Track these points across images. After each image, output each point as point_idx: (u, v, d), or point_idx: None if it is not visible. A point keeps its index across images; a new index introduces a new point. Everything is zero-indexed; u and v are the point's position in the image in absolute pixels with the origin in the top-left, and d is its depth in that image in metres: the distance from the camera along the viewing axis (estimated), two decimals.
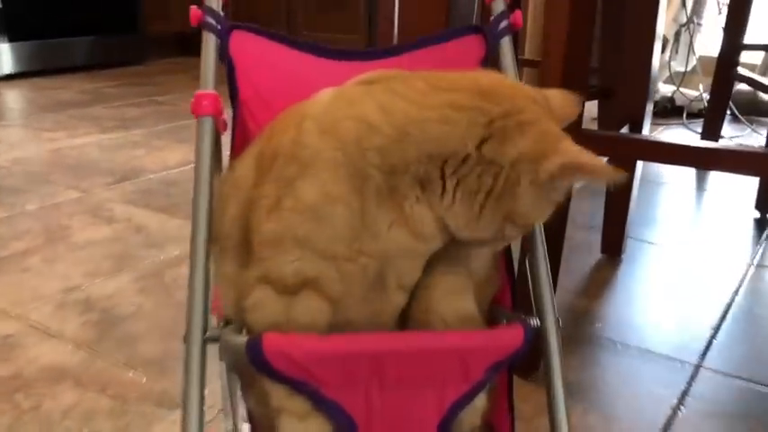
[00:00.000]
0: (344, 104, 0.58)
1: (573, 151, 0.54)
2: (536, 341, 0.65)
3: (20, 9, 3.71)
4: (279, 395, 0.58)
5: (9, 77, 3.70)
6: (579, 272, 1.61)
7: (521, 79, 0.78)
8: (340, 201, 0.55)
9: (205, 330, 0.63)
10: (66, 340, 1.29)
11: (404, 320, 0.64)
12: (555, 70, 1.04)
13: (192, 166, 0.68)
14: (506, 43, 0.76)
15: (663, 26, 3.08)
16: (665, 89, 3.23)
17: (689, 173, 2.36)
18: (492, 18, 0.77)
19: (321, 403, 0.58)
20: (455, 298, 0.63)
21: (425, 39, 0.80)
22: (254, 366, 0.57)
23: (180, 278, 1.53)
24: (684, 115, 3.10)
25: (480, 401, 0.63)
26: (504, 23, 0.77)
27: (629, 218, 1.64)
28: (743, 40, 2.14)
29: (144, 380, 1.17)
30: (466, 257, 0.64)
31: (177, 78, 3.86)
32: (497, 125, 0.54)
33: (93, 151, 2.49)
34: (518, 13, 0.77)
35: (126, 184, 2.12)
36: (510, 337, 0.59)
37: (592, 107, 2.16)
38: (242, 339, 0.57)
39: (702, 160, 1.03)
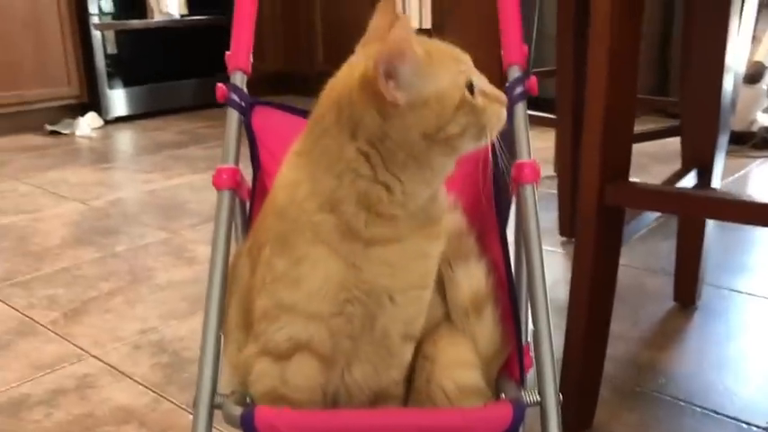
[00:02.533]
0: (280, 180, 0.67)
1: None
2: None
3: (130, 57, 4.01)
4: None
5: (120, 119, 3.99)
6: (647, 321, 1.54)
7: (531, 136, 0.78)
8: (306, 259, 0.61)
9: (213, 396, 0.66)
10: (137, 382, 1.37)
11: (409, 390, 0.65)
12: (596, 124, 1.02)
13: None
14: (520, 109, 0.77)
15: (763, 55, 2.92)
16: (764, 119, 3.05)
17: None
18: (507, 84, 0.78)
19: None
20: (457, 370, 0.64)
21: None
22: None
23: None
24: None
25: None
26: (519, 89, 0.77)
27: (705, 263, 1.56)
28: None
29: None
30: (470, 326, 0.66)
31: None
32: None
33: (184, 192, 2.63)
34: (533, 80, 0.77)
35: (211, 225, 2.23)
36: (497, 416, 0.59)
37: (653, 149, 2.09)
38: (238, 410, 0.60)
39: (761, 216, 0.97)
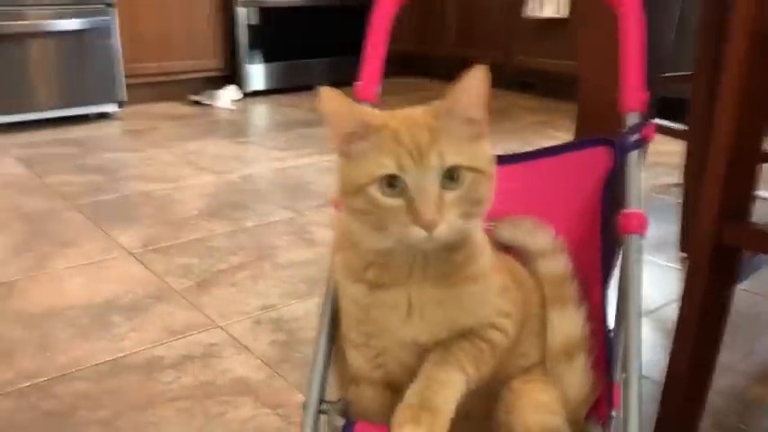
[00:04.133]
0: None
1: None
2: None
3: (271, 33, 4.20)
4: None
5: (257, 93, 4.20)
6: (762, 354, 1.49)
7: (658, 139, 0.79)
8: (340, 293, 0.72)
9: (320, 403, 0.74)
10: (256, 356, 1.49)
11: (486, 416, 0.71)
12: (719, 162, 1.00)
13: None
14: (634, 157, 0.78)
15: None
16: None
17: None
18: (624, 130, 0.79)
19: None
20: (542, 413, 0.68)
21: (557, 147, 0.84)
22: None
23: None
24: None
25: None
26: (634, 137, 0.78)
27: None
28: None
29: None
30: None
31: (398, 99, 4.10)
32: None
33: (310, 172, 2.77)
34: (651, 126, 0.78)
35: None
36: None
37: None
38: (340, 422, 0.68)
39: None
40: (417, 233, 0.61)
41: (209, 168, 2.82)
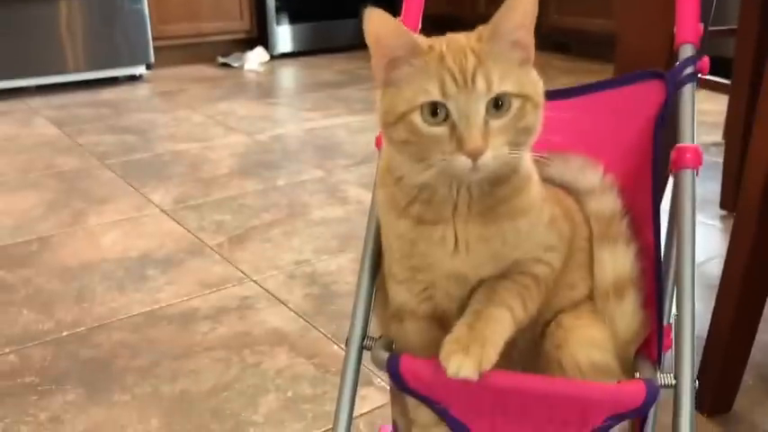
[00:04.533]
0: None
1: None
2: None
3: None
4: (411, 406, 0.67)
5: (284, 55, 4.18)
6: None
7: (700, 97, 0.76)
8: (385, 227, 0.72)
9: (364, 337, 0.73)
10: (290, 309, 1.50)
11: (532, 349, 0.70)
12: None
13: None
14: (688, 90, 0.75)
15: None
16: None
17: None
18: (678, 63, 0.76)
19: (450, 421, 0.66)
20: (593, 349, 0.67)
21: (607, 81, 0.81)
22: (391, 379, 0.66)
23: None
24: None
25: None
26: (689, 69, 0.75)
27: None
28: None
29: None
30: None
31: None
32: None
33: (340, 132, 2.75)
34: (705, 60, 0.75)
35: (363, 167, 2.33)
36: (630, 394, 0.61)
37: None
38: (384, 355, 0.67)
39: None
40: (462, 162, 0.59)
41: (238, 128, 2.81)
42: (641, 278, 0.72)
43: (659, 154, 0.75)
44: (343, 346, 1.35)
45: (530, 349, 0.71)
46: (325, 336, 1.39)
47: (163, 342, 1.38)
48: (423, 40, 0.63)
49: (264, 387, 1.24)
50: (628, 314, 0.71)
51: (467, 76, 0.60)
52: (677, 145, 0.73)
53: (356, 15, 4.35)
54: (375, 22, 0.61)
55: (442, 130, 0.61)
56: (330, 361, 1.31)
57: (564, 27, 4.01)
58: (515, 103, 0.61)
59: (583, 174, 0.77)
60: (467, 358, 0.60)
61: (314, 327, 1.43)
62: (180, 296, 1.55)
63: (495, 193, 0.65)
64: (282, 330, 1.42)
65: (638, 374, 0.67)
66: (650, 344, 0.71)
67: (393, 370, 0.65)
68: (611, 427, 0.64)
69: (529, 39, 0.63)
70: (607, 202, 0.75)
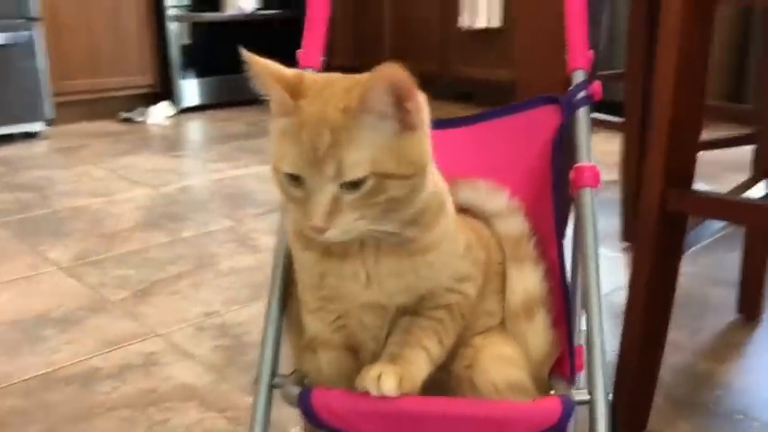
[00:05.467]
0: None
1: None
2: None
3: (204, 49, 4.14)
4: None
5: (191, 109, 4.12)
6: (708, 332, 1.52)
7: (593, 144, 0.79)
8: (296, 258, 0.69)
9: (273, 376, 0.70)
10: (199, 362, 1.43)
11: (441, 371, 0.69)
12: (661, 130, 1.01)
13: None
14: (583, 113, 0.77)
15: None
16: None
17: None
18: (570, 88, 0.79)
19: None
20: (508, 367, 0.66)
21: (504, 108, 0.83)
22: (303, 415, 0.63)
23: None
24: None
25: None
26: (582, 94, 0.78)
27: None
28: None
29: None
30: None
31: None
32: None
33: (250, 182, 2.71)
34: (597, 84, 0.78)
35: (273, 215, 2.29)
36: (546, 411, 0.61)
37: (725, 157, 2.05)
38: (296, 390, 0.64)
39: None
40: (311, 231, 0.59)
41: (143, 182, 2.73)
42: (549, 298, 0.72)
43: (558, 177, 0.77)
44: None
45: (438, 373, 0.69)
46: (238, 388, 1.33)
47: (60, 405, 1.28)
48: (294, 92, 0.60)
49: None
50: (539, 334, 0.71)
51: (318, 157, 0.58)
52: (576, 165, 0.75)
53: None
54: (252, 67, 0.62)
55: (299, 194, 0.60)
56: (243, 414, 1.25)
57: (466, 77, 4.15)
58: (370, 182, 0.59)
59: (490, 198, 0.77)
60: (387, 376, 0.59)
61: (225, 379, 1.37)
62: (80, 356, 1.46)
63: (402, 232, 0.64)
64: (191, 385, 1.35)
65: (553, 392, 0.67)
66: (563, 364, 0.71)
67: (305, 404, 0.62)
68: None
69: (412, 104, 0.60)
70: (514, 224, 0.75)
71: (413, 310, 0.66)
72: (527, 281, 0.72)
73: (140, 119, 3.86)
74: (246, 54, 0.59)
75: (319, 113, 0.59)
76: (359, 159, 0.58)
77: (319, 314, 0.67)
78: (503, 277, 0.73)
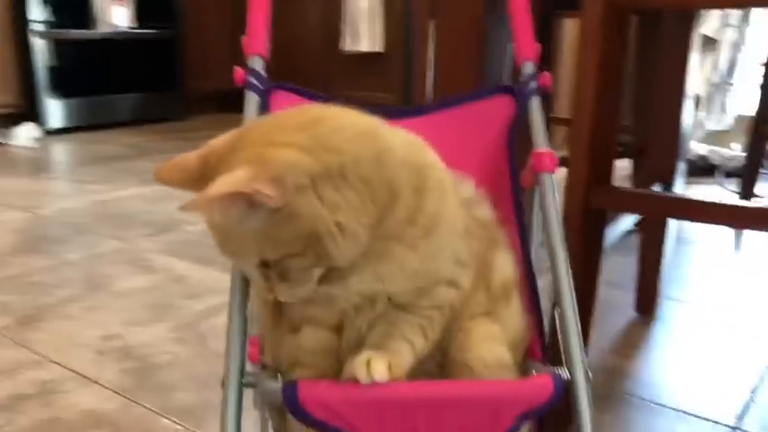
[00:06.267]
0: None
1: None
2: (566, 394, 0.66)
3: (72, 68, 3.90)
4: None
5: (58, 132, 3.86)
6: (611, 330, 1.60)
7: (551, 137, 0.81)
8: None
9: (242, 375, 0.65)
10: (105, 387, 1.32)
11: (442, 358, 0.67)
12: (583, 130, 1.06)
13: None
14: (535, 103, 0.79)
15: (695, 85, 3.10)
16: (699, 148, 3.22)
17: (725, 233, 2.34)
18: (521, 79, 0.81)
19: None
20: (493, 344, 0.66)
21: (457, 98, 0.83)
22: (290, 411, 0.59)
23: (216, 328, 1.56)
24: (719, 174, 3.09)
25: None
26: (533, 85, 0.80)
27: (662, 276, 1.64)
28: None
29: (177, 428, 1.19)
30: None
31: (216, 134, 3.96)
32: None
33: (135, 203, 2.56)
34: (547, 75, 0.80)
35: (167, 235, 2.18)
36: (539, 388, 0.61)
37: (624, 165, 2.18)
38: (278, 385, 0.60)
39: (733, 218, 1.04)
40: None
41: (14, 205, 2.51)
42: (521, 282, 0.73)
43: (515, 165, 0.78)
44: (174, 418, 1.21)
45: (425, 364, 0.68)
46: (152, 410, 1.24)
47: None
48: (202, 181, 0.59)
49: None
50: (515, 316, 0.71)
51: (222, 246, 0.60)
52: (534, 151, 0.76)
53: (136, 89, 4.16)
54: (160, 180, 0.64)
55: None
56: None
57: (349, 99, 4.17)
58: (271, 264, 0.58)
59: (459, 185, 0.77)
60: (376, 361, 0.56)
61: (136, 402, 1.27)
62: None
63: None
64: (100, 410, 1.24)
65: (534, 373, 0.67)
66: (533, 349, 0.72)
67: (291, 398, 0.58)
68: (517, 429, 0.62)
69: (267, 199, 0.54)
70: (485, 210, 0.75)
71: (403, 307, 0.63)
72: (505, 264, 0.72)
73: (3, 140, 3.57)
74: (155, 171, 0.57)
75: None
76: (245, 251, 0.57)
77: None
78: (485, 266, 0.73)
